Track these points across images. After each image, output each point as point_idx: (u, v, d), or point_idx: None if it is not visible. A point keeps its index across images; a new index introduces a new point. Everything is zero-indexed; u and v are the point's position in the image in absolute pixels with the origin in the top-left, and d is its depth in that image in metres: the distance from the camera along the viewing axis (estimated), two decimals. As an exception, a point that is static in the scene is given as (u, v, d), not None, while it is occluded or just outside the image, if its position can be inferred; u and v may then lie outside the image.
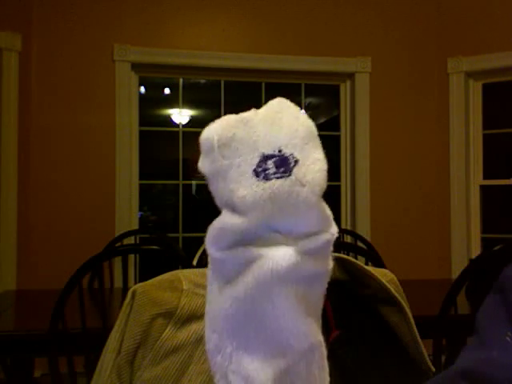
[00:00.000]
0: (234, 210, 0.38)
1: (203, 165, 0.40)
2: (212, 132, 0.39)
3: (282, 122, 0.40)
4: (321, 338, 0.40)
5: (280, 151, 0.38)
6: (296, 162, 0.38)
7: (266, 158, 0.38)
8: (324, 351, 0.40)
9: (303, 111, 0.42)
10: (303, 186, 0.37)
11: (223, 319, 0.38)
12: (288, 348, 0.38)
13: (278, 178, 0.37)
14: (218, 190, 0.39)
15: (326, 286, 0.40)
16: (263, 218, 0.37)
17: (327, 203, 0.41)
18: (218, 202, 0.40)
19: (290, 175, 0.37)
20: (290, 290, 0.38)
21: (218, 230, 0.38)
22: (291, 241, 0.38)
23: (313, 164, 0.38)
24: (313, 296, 0.40)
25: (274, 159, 0.38)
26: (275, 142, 0.39)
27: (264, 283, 0.37)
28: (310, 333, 0.39)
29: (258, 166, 0.38)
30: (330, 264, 0.40)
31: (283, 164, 0.38)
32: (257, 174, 0.38)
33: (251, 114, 0.41)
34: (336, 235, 0.40)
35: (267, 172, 0.38)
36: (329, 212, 0.40)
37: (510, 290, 0.54)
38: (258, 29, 3.51)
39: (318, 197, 0.38)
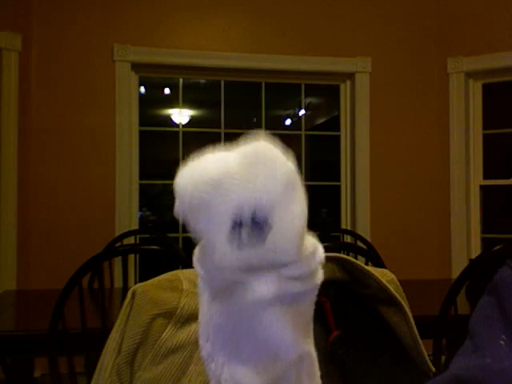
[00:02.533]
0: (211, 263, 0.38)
1: (178, 212, 0.38)
2: (184, 189, 0.38)
3: (257, 181, 0.37)
4: (310, 347, 0.41)
5: (254, 218, 0.37)
6: (270, 228, 0.37)
7: (239, 226, 0.37)
8: (313, 360, 0.41)
9: (281, 156, 0.38)
10: (276, 252, 0.37)
11: (214, 330, 0.39)
12: (277, 359, 0.39)
13: (251, 247, 0.37)
14: (195, 235, 0.39)
15: (315, 297, 0.41)
16: (240, 276, 0.38)
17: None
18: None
19: (263, 243, 0.37)
20: (275, 308, 0.38)
21: (201, 259, 0.39)
22: (274, 269, 0.38)
23: (290, 224, 0.37)
24: (300, 308, 0.40)
25: (247, 227, 0.37)
26: (249, 202, 0.37)
27: (248, 310, 0.38)
28: (297, 343, 0.39)
29: (231, 233, 0.37)
30: (319, 279, 0.40)
31: (256, 232, 0.37)
32: (230, 240, 0.37)
33: (222, 172, 0.38)
34: (322, 259, 0.40)
35: (240, 241, 0.37)
36: (311, 242, 0.39)
37: (504, 291, 0.54)
38: (258, 29, 3.51)
39: (296, 251, 0.38)
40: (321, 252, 0.40)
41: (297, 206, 0.38)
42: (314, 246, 0.39)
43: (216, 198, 0.37)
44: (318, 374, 0.42)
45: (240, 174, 0.37)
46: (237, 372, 0.39)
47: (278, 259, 0.37)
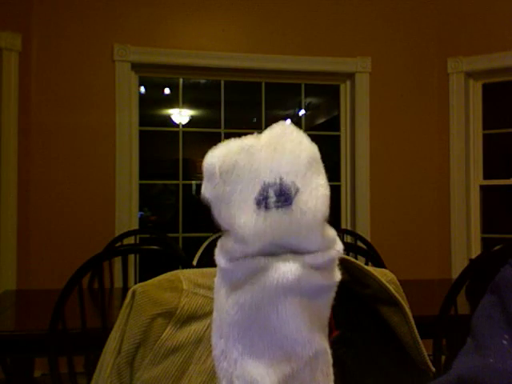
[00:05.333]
0: (235, 237, 0.38)
1: (206, 189, 0.40)
2: (215, 158, 0.39)
3: (284, 149, 0.39)
4: (326, 345, 0.41)
5: (281, 179, 0.38)
6: (297, 190, 0.38)
7: (267, 187, 0.38)
8: (329, 358, 0.41)
9: (306, 136, 0.41)
10: (304, 214, 0.37)
11: (229, 325, 0.39)
12: (292, 354, 0.39)
13: (278, 207, 0.37)
14: (221, 215, 0.39)
15: (333, 296, 0.41)
16: (264, 246, 0.38)
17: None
18: (222, 226, 0.40)
19: (290, 204, 0.37)
20: (295, 300, 0.38)
21: (225, 248, 0.39)
22: (297, 256, 0.38)
23: (315, 190, 0.38)
24: (318, 306, 0.40)
25: (274, 188, 0.38)
26: (277, 170, 0.38)
27: (270, 293, 0.37)
28: (314, 340, 0.39)
29: (260, 194, 0.38)
30: (337, 277, 0.40)
31: (284, 193, 0.38)
32: (258, 202, 0.38)
33: (253, 140, 0.40)
34: (341, 252, 0.40)
35: (268, 201, 0.37)
36: (332, 233, 0.40)
37: (505, 290, 0.53)
38: (258, 29, 3.51)
39: (320, 222, 0.38)
40: (340, 243, 0.40)
41: (321, 177, 0.40)
42: (334, 234, 0.40)
43: (247, 158, 0.39)
44: (331, 372, 0.41)
45: (270, 142, 0.40)
46: (250, 368, 0.38)
47: (304, 226, 0.37)
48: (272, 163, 0.39)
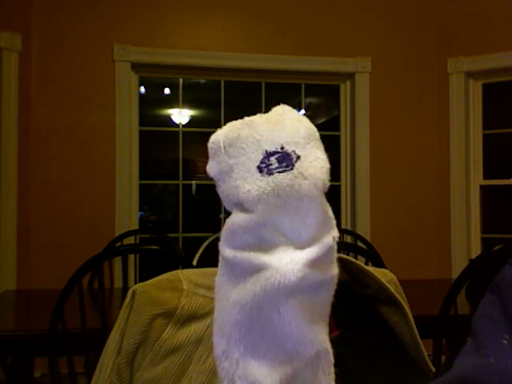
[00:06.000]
0: (241, 208, 0.39)
1: (211, 167, 0.41)
2: (219, 135, 0.42)
3: (285, 123, 0.41)
4: (328, 345, 0.41)
5: (282, 148, 0.40)
6: (298, 157, 0.39)
7: (269, 155, 0.39)
8: (331, 358, 0.41)
9: (305, 117, 0.44)
10: (305, 178, 0.38)
11: (231, 325, 0.39)
12: (294, 354, 0.39)
13: (280, 171, 0.39)
14: (225, 190, 0.40)
15: (333, 293, 0.41)
16: (269, 212, 0.38)
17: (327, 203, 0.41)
18: (227, 204, 0.41)
19: (292, 169, 0.39)
20: (296, 299, 0.38)
21: (229, 229, 0.39)
22: (297, 246, 0.39)
23: (314, 161, 0.40)
24: (319, 303, 0.40)
25: (276, 155, 0.39)
26: (278, 140, 0.40)
27: (271, 294, 0.38)
28: (316, 340, 0.39)
29: (262, 162, 0.39)
30: (336, 270, 0.41)
31: (285, 159, 0.39)
32: (260, 169, 0.39)
33: (256, 116, 0.42)
34: (337, 239, 0.41)
35: (270, 167, 0.39)
36: (331, 214, 0.41)
37: (506, 290, 0.53)
38: (258, 29, 3.51)
39: (321, 191, 0.39)
40: (336, 229, 0.41)
41: (320, 152, 0.41)
42: (332, 216, 0.41)
43: (250, 131, 0.41)
44: (333, 371, 0.41)
45: (271, 118, 0.42)
46: (252, 368, 0.38)
47: (304, 191, 0.38)
48: (273, 135, 0.40)
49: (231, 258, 0.39)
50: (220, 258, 0.41)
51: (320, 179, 0.39)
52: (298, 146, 0.40)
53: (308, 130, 0.41)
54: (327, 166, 0.40)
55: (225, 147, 0.40)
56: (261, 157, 0.39)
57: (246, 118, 0.42)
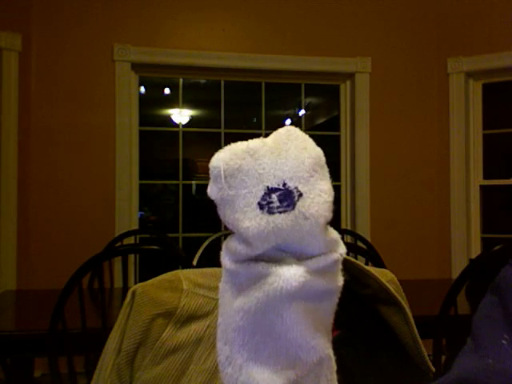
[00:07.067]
0: (240, 239, 0.39)
1: (211, 191, 0.40)
2: (220, 161, 0.40)
3: (289, 154, 0.40)
4: (330, 351, 0.41)
5: (285, 185, 0.39)
6: (300, 195, 0.38)
7: (270, 191, 0.39)
8: (333, 365, 0.41)
9: (311, 141, 0.42)
10: (307, 218, 0.38)
11: (234, 331, 0.39)
12: (297, 361, 0.39)
13: (281, 212, 0.38)
14: (226, 217, 0.40)
15: (337, 301, 0.41)
16: (267, 248, 0.38)
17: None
18: (227, 226, 0.41)
19: (293, 209, 0.38)
20: (299, 305, 0.38)
21: (230, 249, 0.39)
22: (300, 261, 0.39)
23: (318, 196, 0.39)
24: (322, 312, 0.40)
25: (278, 193, 0.39)
26: (280, 175, 0.39)
27: (274, 300, 0.38)
28: (318, 346, 0.39)
29: (263, 198, 0.38)
30: (340, 281, 0.41)
31: (287, 198, 0.38)
32: (261, 206, 0.38)
33: (258, 144, 0.41)
34: (344, 255, 0.41)
35: (271, 205, 0.38)
36: (335, 235, 0.41)
37: (506, 290, 0.53)
38: (258, 29, 3.51)
39: (322, 227, 0.39)
40: (343, 246, 0.41)
41: (325, 182, 0.40)
42: (337, 236, 0.41)
43: (252, 163, 0.39)
44: (335, 378, 0.42)
45: (274, 147, 0.40)
46: (255, 374, 0.39)
47: (306, 231, 0.38)
48: (275, 169, 0.39)
49: (233, 269, 0.40)
50: (223, 267, 0.41)
51: (322, 216, 0.39)
52: (301, 181, 0.39)
53: (313, 160, 0.40)
54: (330, 199, 0.39)
55: (225, 176, 0.39)
56: (262, 193, 0.39)
57: (249, 147, 0.40)
